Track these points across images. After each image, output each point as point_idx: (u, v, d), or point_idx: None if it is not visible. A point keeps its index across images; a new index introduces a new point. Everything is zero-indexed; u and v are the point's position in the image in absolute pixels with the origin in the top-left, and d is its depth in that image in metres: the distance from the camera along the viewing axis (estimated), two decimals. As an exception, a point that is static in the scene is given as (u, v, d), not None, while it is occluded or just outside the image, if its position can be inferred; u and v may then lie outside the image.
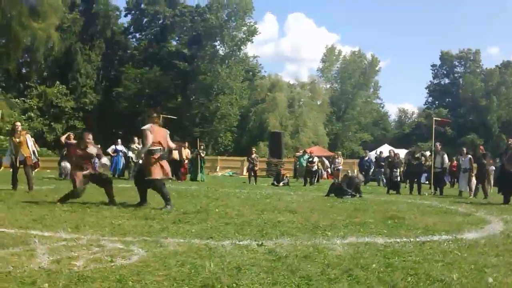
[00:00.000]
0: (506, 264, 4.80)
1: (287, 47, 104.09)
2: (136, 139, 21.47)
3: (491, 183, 16.14)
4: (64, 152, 18.72)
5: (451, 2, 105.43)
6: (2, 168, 18.84)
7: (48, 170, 23.93)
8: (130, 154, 20.90)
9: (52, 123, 45.00)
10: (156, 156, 8.83)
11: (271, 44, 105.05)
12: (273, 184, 20.18)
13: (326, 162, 29.45)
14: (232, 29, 50.81)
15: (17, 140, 11.61)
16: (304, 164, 22.73)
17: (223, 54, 51.44)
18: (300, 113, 57.66)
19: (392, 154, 19.64)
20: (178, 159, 20.40)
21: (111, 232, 5.99)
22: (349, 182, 14.23)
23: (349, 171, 22.86)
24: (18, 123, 12.33)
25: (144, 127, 8.93)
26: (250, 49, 74.30)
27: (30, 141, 11.99)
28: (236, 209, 8.90)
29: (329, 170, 28.73)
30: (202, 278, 3.91)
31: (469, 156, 16.91)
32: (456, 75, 70.37)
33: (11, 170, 12.16)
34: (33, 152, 11.98)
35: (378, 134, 70.76)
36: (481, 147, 17.84)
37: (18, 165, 11.73)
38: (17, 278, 3.76)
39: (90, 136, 9.56)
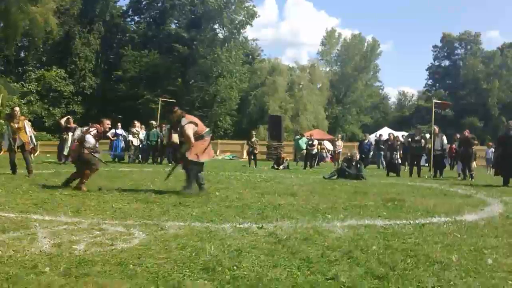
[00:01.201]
0: (505, 245, 4.82)
1: (287, 31, 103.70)
2: (136, 122, 21.47)
3: (491, 165, 16.14)
4: (64, 136, 18.69)
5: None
6: (2, 152, 18.87)
7: (48, 154, 23.96)
8: (130, 137, 20.89)
9: (51, 108, 44.89)
10: (207, 139, 8.87)
11: (271, 28, 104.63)
12: (273, 167, 20.20)
13: (329, 145, 29.42)
14: (232, 12, 50.38)
15: (16, 125, 11.65)
16: (303, 147, 22.68)
17: (222, 37, 51.07)
18: (300, 96, 57.59)
19: (392, 137, 19.64)
20: (178, 143, 20.39)
21: (112, 216, 6.01)
22: (348, 162, 14.48)
23: (349, 154, 22.87)
24: (17, 108, 12.41)
25: (184, 125, 8.59)
26: (249, 33, 73.87)
27: (28, 126, 12.10)
28: (237, 192, 8.92)
29: (329, 153, 28.78)
30: (202, 261, 3.92)
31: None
32: (456, 57, 70.06)
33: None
34: (31, 137, 12.03)
35: (378, 117, 70.79)
36: (467, 131, 17.78)
37: (16, 150, 11.73)
38: (18, 262, 3.77)
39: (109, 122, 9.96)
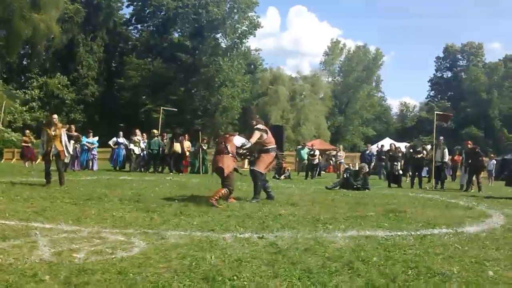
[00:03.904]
0: (506, 257, 4.80)
1: (289, 41, 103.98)
2: (137, 131, 21.45)
3: (492, 176, 16.07)
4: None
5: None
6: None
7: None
8: (132, 146, 20.87)
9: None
10: (273, 154, 9.45)
11: (273, 37, 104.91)
12: (274, 177, 20.16)
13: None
14: (235, 22, 50.58)
15: (53, 133, 11.23)
16: (305, 157, 22.73)
17: (225, 47, 51.21)
18: (302, 106, 57.64)
19: (393, 147, 19.62)
20: (180, 152, 20.38)
21: (112, 224, 6.00)
22: (355, 174, 14.46)
23: (351, 165, 22.87)
24: (55, 116, 11.93)
25: (258, 127, 9.28)
26: (252, 42, 74.12)
27: (65, 135, 11.63)
28: (237, 202, 8.90)
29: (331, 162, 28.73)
30: (203, 270, 3.91)
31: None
32: (459, 68, 70.15)
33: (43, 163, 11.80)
34: (66, 147, 11.64)
35: (380, 128, 70.72)
36: (469, 142, 17.68)
37: (51, 158, 11.31)
38: (18, 270, 3.77)
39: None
